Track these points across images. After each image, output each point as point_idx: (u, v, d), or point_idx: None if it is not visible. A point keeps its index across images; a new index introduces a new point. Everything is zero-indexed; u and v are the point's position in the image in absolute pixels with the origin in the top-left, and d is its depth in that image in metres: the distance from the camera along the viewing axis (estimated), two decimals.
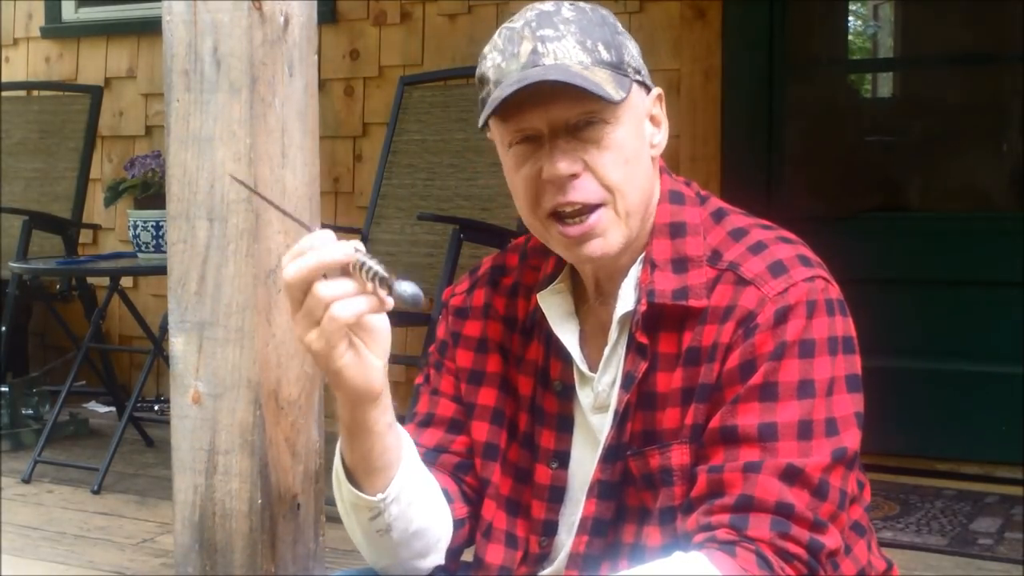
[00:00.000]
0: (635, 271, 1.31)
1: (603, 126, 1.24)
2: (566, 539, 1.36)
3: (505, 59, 1.25)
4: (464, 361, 1.43)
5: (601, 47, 1.25)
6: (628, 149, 1.26)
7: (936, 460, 3.65)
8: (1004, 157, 4.34)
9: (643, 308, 1.28)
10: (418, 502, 1.31)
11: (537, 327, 1.38)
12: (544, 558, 1.37)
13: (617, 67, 1.26)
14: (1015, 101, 4.12)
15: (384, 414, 1.24)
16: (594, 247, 1.27)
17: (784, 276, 1.24)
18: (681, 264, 1.29)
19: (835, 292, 1.26)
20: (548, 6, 1.28)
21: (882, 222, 4.03)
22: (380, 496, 1.27)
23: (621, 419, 1.29)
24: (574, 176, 1.25)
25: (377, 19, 4.46)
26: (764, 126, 3.94)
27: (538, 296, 1.36)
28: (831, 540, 1.20)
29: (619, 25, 1.31)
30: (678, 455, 1.25)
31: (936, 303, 3.72)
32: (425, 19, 4.37)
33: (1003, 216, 3.96)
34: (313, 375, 1.61)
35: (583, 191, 1.25)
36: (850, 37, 5.13)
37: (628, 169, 1.26)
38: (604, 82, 1.23)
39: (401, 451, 1.29)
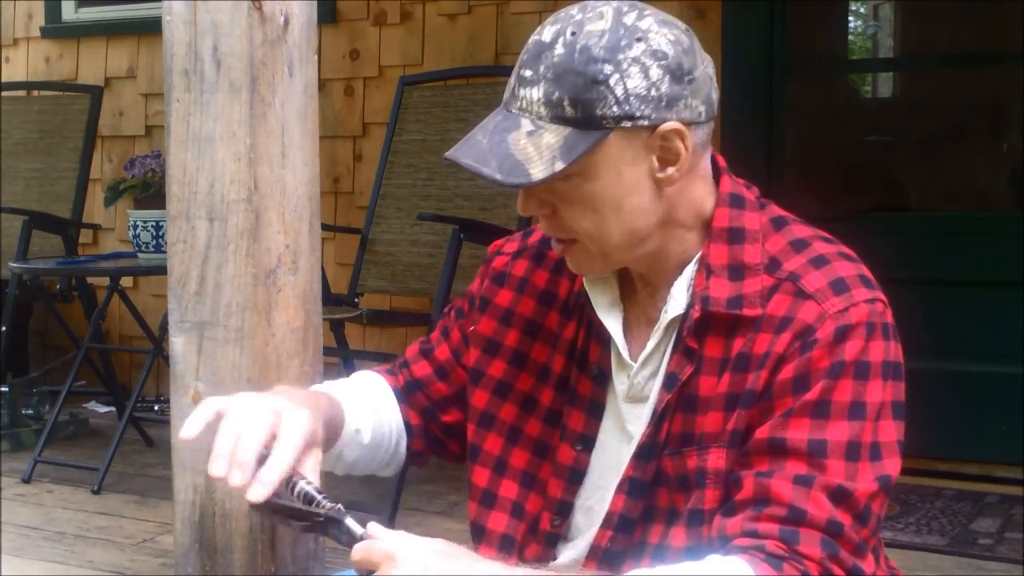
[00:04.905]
0: (689, 272, 1.31)
1: (571, 179, 1.23)
2: (583, 522, 1.36)
3: (512, 79, 1.26)
4: (485, 329, 1.45)
5: (567, 103, 1.20)
6: (601, 199, 1.24)
7: (936, 460, 3.64)
8: (1004, 157, 4.34)
9: (696, 315, 1.28)
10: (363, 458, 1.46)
11: (580, 309, 1.39)
12: (557, 538, 1.38)
13: (583, 123, 1.20)
14: (1015, 101, 4.11)
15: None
16: (572, 266, 1.34)
17: (846, 295, 1.24)
18: (737, 271, 1.28)
19: (891, 317, 1.26)
20: (548, 34, 1.23)
21: (882, 222, 4.03)
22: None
23: (659, 419, 1.29)
24: (544, 214, 1.28)
25: (377, 19, 4.46)
26: (764, 126, 3.94)
27: (585, 281, 1.37)
28: (869, 567, 1.21)
29: (625, 58, 1.21)
30: (715, 458, 1.25)
31: (936, 303, 3.71)
32: (425, 19, 4.37)
33: (1003, 216, 3.96)
34: (312, 375, 1.61)
35: (553, 228, 1.29)
36: (850, 37, 5.13)
37: (598, 218, 1.25)
38: (539, 152, 1.20)
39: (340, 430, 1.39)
